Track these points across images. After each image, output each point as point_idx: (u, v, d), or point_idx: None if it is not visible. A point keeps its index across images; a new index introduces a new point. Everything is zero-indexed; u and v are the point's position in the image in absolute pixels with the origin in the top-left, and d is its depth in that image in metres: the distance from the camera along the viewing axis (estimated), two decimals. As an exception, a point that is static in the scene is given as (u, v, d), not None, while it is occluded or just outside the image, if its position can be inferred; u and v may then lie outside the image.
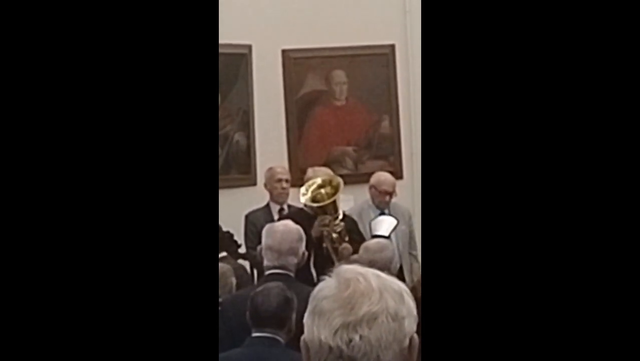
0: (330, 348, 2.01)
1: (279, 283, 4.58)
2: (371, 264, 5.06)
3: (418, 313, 2.08)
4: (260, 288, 4.54)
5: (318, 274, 6.69)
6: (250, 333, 4.38)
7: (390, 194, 7.95)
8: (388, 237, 7.14)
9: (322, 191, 7.43)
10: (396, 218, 7.61)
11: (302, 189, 7.47)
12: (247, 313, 4.38)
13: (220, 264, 5.52)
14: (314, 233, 7.01)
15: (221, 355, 3.90)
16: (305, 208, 7.42)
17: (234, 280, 5.78)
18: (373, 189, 7.99)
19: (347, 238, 7.20)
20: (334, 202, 7.33)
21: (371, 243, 6.34)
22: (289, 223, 5.42)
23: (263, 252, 5.21)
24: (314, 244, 6.80)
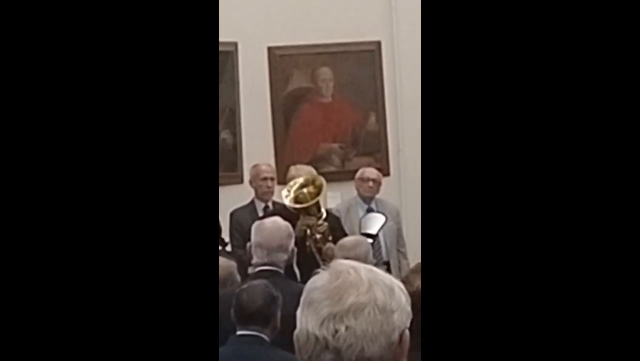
0: (317, 338, 2.01)
1: (264, 281, 4.56)
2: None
3: (417, 311, 2.07)
4: (245, 286, 4.52)
5: (301, 273, 6.69)
6: (234, 331, 4.37)
7: (374, 180, 7.95)
8: (376, 235, 7.15)
9: (305, 190, 7.35)
10: (384, 215, 7.61)
11: (284, 191, 7.40)
12: (232, 310, 4.36)
13: (227, 261, 5.46)
14: (296, 233, 6.97)
15: None
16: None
17: (238, 277, 5.75)
18: (359, 181, 8.01)
19: (330, 238, 7.11)
20: (317, 202, 7.25)
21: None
22: (277, 219, 5.39)
23: (252, 249, 5.19)
24: (296, 243, 6.79)
